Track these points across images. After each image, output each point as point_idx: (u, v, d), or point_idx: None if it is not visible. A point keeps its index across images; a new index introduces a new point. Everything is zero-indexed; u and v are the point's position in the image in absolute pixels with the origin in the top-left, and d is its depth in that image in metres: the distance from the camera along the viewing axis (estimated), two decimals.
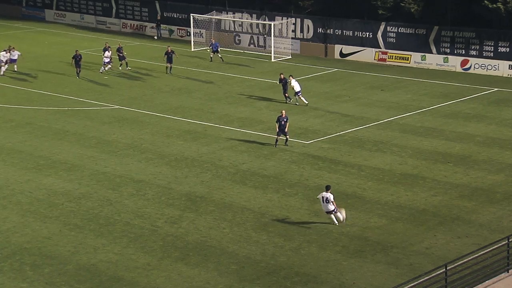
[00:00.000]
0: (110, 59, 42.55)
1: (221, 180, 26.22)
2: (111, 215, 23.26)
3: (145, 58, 46.87)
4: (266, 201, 24.44)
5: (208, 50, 46.89)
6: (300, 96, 35.99)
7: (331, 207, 22.18)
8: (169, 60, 42.31)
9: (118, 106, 35.73)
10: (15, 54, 42.29)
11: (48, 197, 24.55)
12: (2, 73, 41.26)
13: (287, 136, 29.75)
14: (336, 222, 22.29)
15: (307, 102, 35.90)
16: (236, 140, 30.79)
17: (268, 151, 29.41)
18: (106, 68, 42.49)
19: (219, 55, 46.29)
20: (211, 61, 45.02)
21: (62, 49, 50.15)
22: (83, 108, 35.61)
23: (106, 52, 42.47)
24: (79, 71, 41.32)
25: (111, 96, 37.51)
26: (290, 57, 48.15)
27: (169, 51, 42.39)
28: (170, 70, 42.39)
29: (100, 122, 33.33)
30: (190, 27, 51.46)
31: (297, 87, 35.87)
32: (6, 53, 42.05)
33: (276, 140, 29.71)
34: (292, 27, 49.46)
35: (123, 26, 57.56)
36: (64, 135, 31.39)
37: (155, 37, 54.66)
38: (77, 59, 41.27)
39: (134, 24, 57.11)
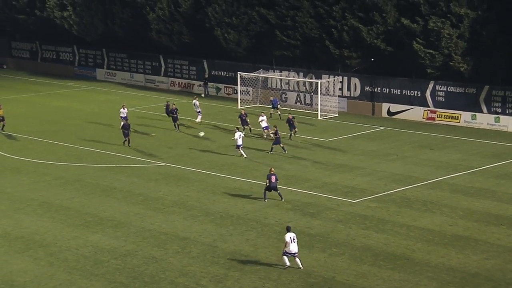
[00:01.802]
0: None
1: (266, 239, 26.15)
2: (156, 273, 23.38)
3: (193, 116, 47.70)
4: (312, 260, 24.22)
5: (270, 107, 47.51)
6: (265, 131, 39.71)
7: (296, 248, 23.11)
8: (174, 118, 42.61)
9: (164, 163, 36.29)
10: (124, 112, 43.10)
11: (94, 254, 24.89)
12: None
13: (278, 192, 30.02)
14: (301, 266, 23.08)
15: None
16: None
17: (315, 209, 29.30)
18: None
19: (278, 112, 46.83)
20: (270, 117, 45.77)
21: (111, 107, 51.54)
22: (130, 165, 36.30)
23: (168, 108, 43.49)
24: (177, 124, 42.62)
25: (158, 153, 38.16)
26: (337, 115, 48.34)
27: (174, 108, 42.87)
28: (178, 127, 42.65)
29: (147, 179, 33.86)
30: (237, 85, 52.37)
31: (263, 123, 39.58)
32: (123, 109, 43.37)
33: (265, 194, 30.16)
34: (339, 85, 49.82)
35: (171, 84, 58.95)
36: (111, 192, 31.96)
37: (203, 95, 55.71)
38: (172, 112, 42.76)
39: (182, 82, 58.45)
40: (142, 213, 29.07)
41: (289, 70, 51.91)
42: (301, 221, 27.91)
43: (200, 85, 56.89)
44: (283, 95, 52.08)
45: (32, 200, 30.79)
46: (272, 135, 38.36)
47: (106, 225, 27.71)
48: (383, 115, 48.03)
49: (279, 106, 47.41)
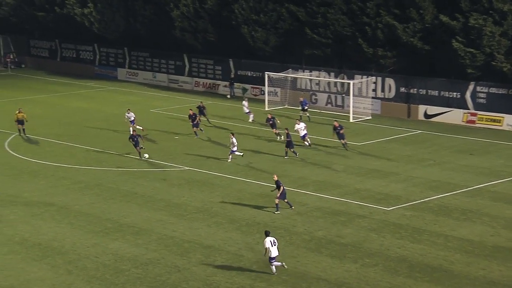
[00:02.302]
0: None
1: (294, 248, 26.10)
2: (179, 283, 23.46)
3: (217, 118, 47.86)
4: (343, 271, 24.11)
5: (300, 109, 47.51)
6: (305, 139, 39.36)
7: (276, 253, 23.46)
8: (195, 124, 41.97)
9: (188, 168, 36.44)
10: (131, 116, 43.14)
11: (114, 263, 25.05)
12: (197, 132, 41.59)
13: (285, 200, 29.77)
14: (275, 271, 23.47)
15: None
16: (311, 205, 30.71)
17: (346, 217, 29.17)
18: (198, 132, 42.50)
19: (307, 114, 46.78)
20: (300, 119, 45.76)
21: (133, 108, 51.93)
22: (152, 169, 36.51)
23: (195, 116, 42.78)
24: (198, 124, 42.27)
25: (181, 157, 38.31)
26: (370, 117, 48.10)
27: (192, 114, 41.94)
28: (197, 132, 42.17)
29: (169, 184, 34.03)
30: (264, 85, 52.40)
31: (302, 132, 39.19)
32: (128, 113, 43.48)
33: (277, 205, 29.81)
34: (373, 86, 49.58)
35: (196, 85, 59.22)
36: (132, 197, 32.17)
37: (228, 96, 55.89)
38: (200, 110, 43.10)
39: (206, 83, 58.68)
40: (164, 219, 29.21)
41: (319, 70, 51.79)
42: (331, 230, 27.80)
43: (225, 86, 57.05)
44: (313, 96, 51.99)
45: (50, 205, 31.13)
46: (282, 137, 38.06)
47: (126, 232, 27.89)
48: (419, 118, 47.66)
49: (307, 108, 47.32)
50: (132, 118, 43.34)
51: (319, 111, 50.19)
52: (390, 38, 47.72)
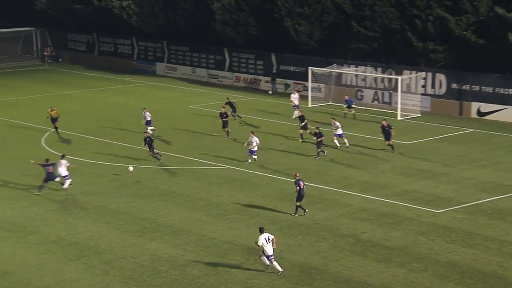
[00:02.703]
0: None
1: (338, 251, 25.99)
2: (218, 285, 23.56)
3: (259, 115, 47.91)
4: (389, 276, 23.92)
5: (344, 107, 47.34)
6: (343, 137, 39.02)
7: (271, 250, 23.61)
8: (225, 124, 41.26)
9: (227, 166, 36.56)
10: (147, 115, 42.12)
11: (151, 263, 25.28)
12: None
13: (298, 204, 29.09)
14: (280, 269, 23.68)
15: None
16: (356, 206, 30.55)
17: (393, 219, 28.93)
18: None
19: (353, 111, 46.56)
20: (344, 116, 45.52)
21: (171, 104, 52.35)
22: (191, 167, 36.74)
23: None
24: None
25: (221, 155, 38.45)
26: (419, 115, 47.62)
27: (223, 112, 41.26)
28: (228, 134, 41.26)
29: (208, 182, 34.20)
30: (308, 81, 52.28)
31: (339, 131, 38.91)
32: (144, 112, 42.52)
33: (297, 208, 29.15)
34: (422, 82, 49.07)
35: (236, 80, 59.39)
36: (170, 196, 32.41)
37: (270, 92, 55.90)
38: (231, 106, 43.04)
39: (247, 78, 58.79)
40: (203, 219, 29.36)
41: (366, 65, 51.46)
42: (377, 233, 27.60)
43: (267, 81, 57.07)
44: (359, 93, 51.68)
45: (87, 203, 31.57)
46: (314, 137, 37.70)
47: (164, 232, 28.11)
48: (472, 116, 47.00)
49: (353, 105, 47.08)
50: (149, 118, 42.14)
51: (365, 108, 49.86)
52: (442, 32, 47.14)
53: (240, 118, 45.61)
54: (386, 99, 50.45)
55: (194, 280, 23.95)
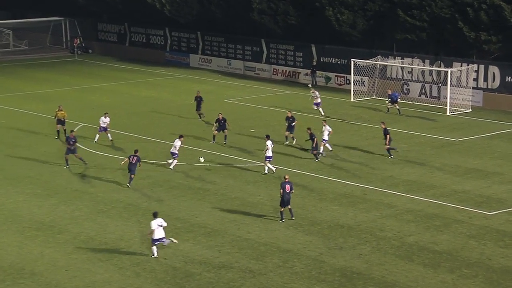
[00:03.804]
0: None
1: (382, 254, 25.87)
2: None
3: (297, 109, 47.86)
4: (437, 282, 23.75)
5: (387, 101, 47.01)
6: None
7: (162, 234, 25.11)
8: (222, 127, 39.56)
9: (264, 164, 36.57)
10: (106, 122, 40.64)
11: (184, 265, 25.45)
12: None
13: (289, 207, 28.50)
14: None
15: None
16: (401, 207, 30.35)
17: (441, 221, 28.69)
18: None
19: (397, 106, 46.23)
20: (387, 111, 45.14)
21: (206, 98, 52.58)
22: (226, 164, 36.88)
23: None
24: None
25: (258, 152, 38.50)
26: (470, 110, 47.14)
27: (220, 118, 39.59)
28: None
29: (244, 181, 34.29)
30: (350, 74, 52.06)
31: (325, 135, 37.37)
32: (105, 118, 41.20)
33: (281, 214, 28.55)
34: (474, 75, 48.54)
35: (274, 73, 59.41)
36: (204, 195, 32.57)
37: (310, 85, 55.75)
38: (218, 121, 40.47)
39: (286, 71, 58.77)
40: (239, 220, 29.46)
41: (413, 57, 51.08)
42: (424, 236, 27.40)
43: (307, 74, 57.00)
44: (405, 86, 51.31)
45: (117, 201, 31.89)
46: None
47: (198, 232, 28.28)
48: None
49: (398, 100, 46.69)
50: (105, 125, 40.13)
51: (411, 102, 49.48)
52: (496, 21, 46.56)
53: (202, 116, 44.64)
54: (435, 93, 50.02)
55: (229, 283, 24.06)
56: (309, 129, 37.06)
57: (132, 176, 33.58)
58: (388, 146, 36.99)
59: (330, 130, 37.77)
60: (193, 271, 24.99)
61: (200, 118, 45.18)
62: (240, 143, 40.57)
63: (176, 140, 36.18)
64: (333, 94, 52.74)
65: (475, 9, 47.15)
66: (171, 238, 25.70)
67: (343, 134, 42.08)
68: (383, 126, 37.51)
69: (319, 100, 45.70)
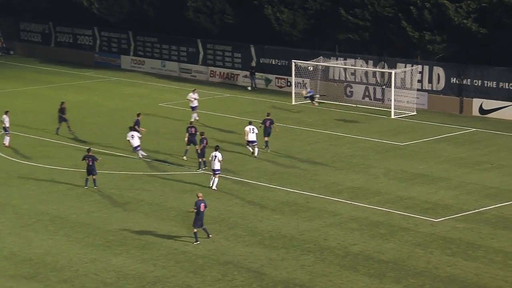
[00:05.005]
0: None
1: (326, 265, 26.08)
2: None
3: (236, 113, 47.95)
4: None
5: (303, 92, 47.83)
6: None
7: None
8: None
9: (202, 171, 36.54)
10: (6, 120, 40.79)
11: (117, 281, 25.20)
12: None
13: (203, 227, 27.96)
14: None
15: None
16: (345, 215, 30.66)
17: (386, 229, 29.08)
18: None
19: (316, 104, 46.87)
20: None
21: (138, 101, 52.20)
22: (161, 173, 36.66)
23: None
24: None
25: (195, 158, 38.38)
26: (415, 113, 47.90)
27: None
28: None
29: (181, 190, 34.15)
30: (291, 76, 52.41)
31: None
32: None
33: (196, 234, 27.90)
34: (418, 76, 49.36)
35: (211, 75, 59.39)
36: (138, 205, 32.33)
37: (249, 88, 55.96)
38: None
39: (224, 73, 58.83)
40: (175, 231, 29.33)
41: (355, 58, 51.68)
42: (369, 244, 27.71)
43: (246, 76, 57.15)
44: (348, 88, 51.91)
45: (43, 214, 31.39)
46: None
47: (131, 245, 28.04)
48: (473, 114, 47.36)
49: (316, 96, 47.35)
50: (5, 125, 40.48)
51: (354, 105, 50.07)
52: (440, 20, 47.46)
53: (69, 130, 43.68)
54: (378, 96, 50.70)
55: None
56: (202, 133, 37.06)
57: (95, 177, 33.81)
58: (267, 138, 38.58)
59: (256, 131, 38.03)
60: (126, 287, 24.76)
61: (70, 130, 43.38)
62: (176, 149, 40.36)
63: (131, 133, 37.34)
64: (273, 97, 53.00)
65: (418, 8, 48.00)
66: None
67: (284, 139, 42.30)
68: (268, 117, 39.30)
69: (196, 104, 45.68)
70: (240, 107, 49.82)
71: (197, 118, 44.58)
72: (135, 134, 38.13)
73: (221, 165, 33.95)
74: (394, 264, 26.08)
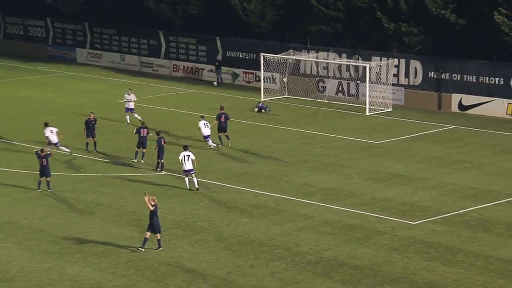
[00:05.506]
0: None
1: (298, 271, 26.15)
2: None
3: (201, 111, 47.83)
4: None
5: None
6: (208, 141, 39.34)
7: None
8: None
9: (165, 172, 36.46)
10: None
11: None
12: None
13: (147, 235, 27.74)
14: None
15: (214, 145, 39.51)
16: (318, 218, 30.76)
17: (361, 233, 29.23)
18: None
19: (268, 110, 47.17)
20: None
21: (96, 98, 51.91)
22: (121, 174, 36.50)
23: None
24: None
25: (156, 158, 38.27)
26: (391, 109, 48.20)
27: (91, 118, 39.50)
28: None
29: (141, 192, 33.88)
30: (260, 70, 52.47)
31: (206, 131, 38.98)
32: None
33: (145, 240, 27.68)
34: (394, 70, 49.68)
35: (174, 69, 59.28)
36: (95, 209, 32.17)
37: (215, 83, 55.94)
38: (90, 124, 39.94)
39: (187, 67, 58.74)
40: (136, 237, 29.22)
41: (328, 51, 51.89)
42: (343, 249, 27.84)
43: (211, 71, 57.12)
44: (320, 84, 52.09)
45: None
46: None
47: (88, 252, 27.89)
48: (452, 110, 47.79)
49: (267, 109, 47.53)
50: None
51: (327, 101, 50.26)
52: (416, 11, 47.78)
53: None
54: (352, 91, 50.93)
55: None
56: (158, 132, 37.06)
57: (48, 179, 33.65)
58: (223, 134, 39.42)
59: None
60: None
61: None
62: (134, 149, 40.16)
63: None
64: (241, 92, 53.03)
65: None
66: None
67: (253, 137, 42.34)
68: (222, 111, 40.16)
69: (132, 106, 44.82)
70: (205, 104, 49.75)
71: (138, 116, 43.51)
72: (54, 129, 38.33)
73: (194, 165, 33.79)
74: (370, 270, 26.22)
